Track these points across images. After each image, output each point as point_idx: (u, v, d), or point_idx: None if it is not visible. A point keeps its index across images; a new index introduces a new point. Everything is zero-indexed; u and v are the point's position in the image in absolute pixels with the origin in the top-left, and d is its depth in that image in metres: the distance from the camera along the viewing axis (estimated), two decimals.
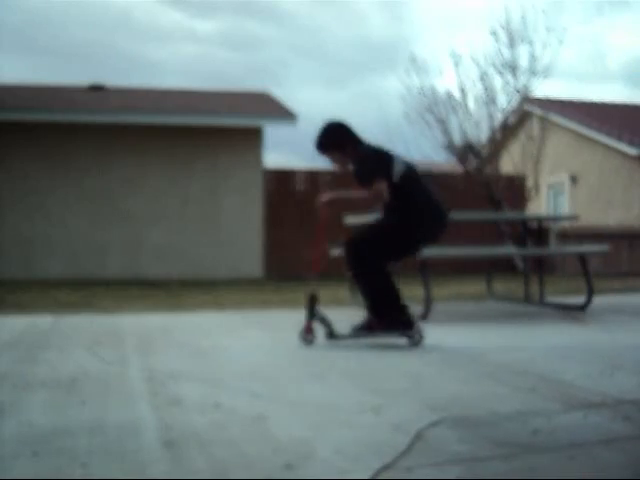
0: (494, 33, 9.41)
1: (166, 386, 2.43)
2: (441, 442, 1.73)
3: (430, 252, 5.86)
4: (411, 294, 6.22)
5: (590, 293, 4.67)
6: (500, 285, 6.97)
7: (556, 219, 8.72)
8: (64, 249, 9.61)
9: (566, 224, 9.88)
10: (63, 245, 9.62)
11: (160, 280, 9.32)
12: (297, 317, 4.77)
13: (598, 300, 4.98)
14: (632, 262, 10.19)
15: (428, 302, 4.30)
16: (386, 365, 2.87)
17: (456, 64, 9.57)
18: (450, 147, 10.00)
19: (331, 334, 3.37)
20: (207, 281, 9.18)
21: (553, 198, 13.49)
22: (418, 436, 1.76)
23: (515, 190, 10.07)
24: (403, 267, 7.95)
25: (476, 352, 3.09)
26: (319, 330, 3.37)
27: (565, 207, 13.02)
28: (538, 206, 12.13)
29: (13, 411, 2.08)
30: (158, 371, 2.70)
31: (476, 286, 7.65)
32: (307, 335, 3.34)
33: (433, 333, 3.73)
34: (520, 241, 8.12)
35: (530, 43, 9.40)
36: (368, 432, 1.82)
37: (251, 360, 3.01)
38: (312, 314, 3.36)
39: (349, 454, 1.63)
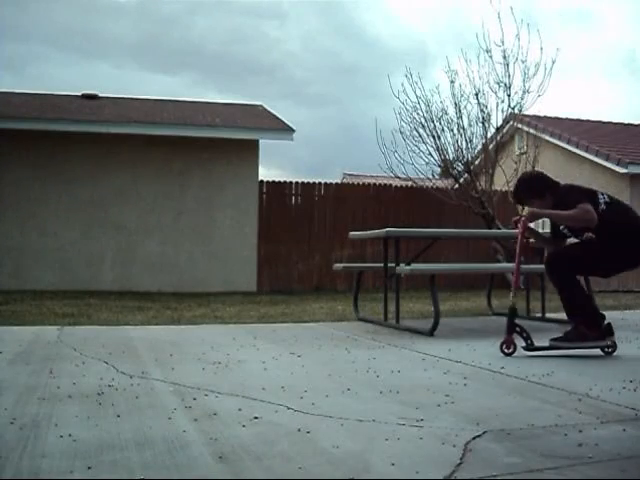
0: (488, 51, 9.59)
1: (197, 400, 2.43)
2: (491, 455, 1.76)
3: (438, 267, 5.93)
4: (407, 309, 6.30)
5: None
6: (495, 301, 7.04)
7: None
8: (56, 259, 9.50)
9: None
10: (55, 255, 9.51)
11: (153, 292, 9.25)
12: (303, 331, 4.79)
13: None
14: (621, 279, 10.35)
15: (437, 317, 4.33)
16: (410, 379, 2.89)
17: (452, 81, 9.72)
18: (444, 162, 10.12)
19: (529, 345, 3.47)
20: (201, 294, 9.13)
21: None
22: (467, 449, 1.78)
23: (508, 206, 10.21)
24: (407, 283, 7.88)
25: (495, 366, 3.13)
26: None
27: None
28: None
29: (50, 425, 2.06)
30: (183, 385, 2.69)
31: (471, 301, 7.73)
32: (508, 348, 3.45)
33: (446, 348, 3.77)
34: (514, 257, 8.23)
35: (523, 62, 9.59)
36: (416, 445, 1.84)
37: (273, 373, 3.01)
38: (512, 327, 3.47)
39: (406, 467, 1.65)
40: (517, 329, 3.49)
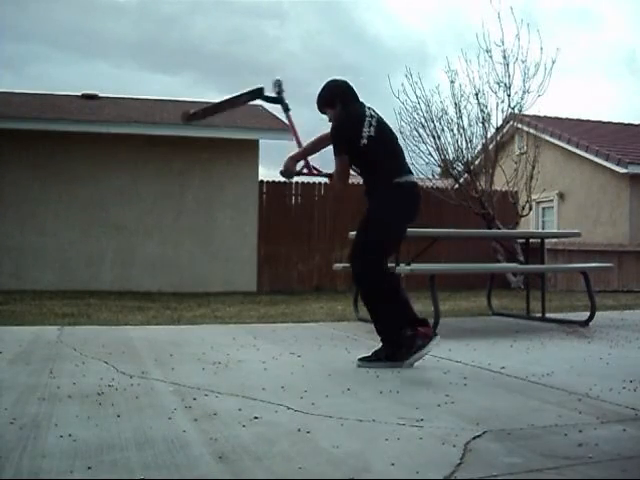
0: (488, 51, 9.59)
1: (197, 400, 2.43)
2: (491, 455, 1.76)
3: (438, 267, 5.93)
4: None
5: (593, 309, 4.75)
6: (495, 301, 7.04)
7: (559, 236, 8.88)
8: (56, 259, 9.50)
9: (553, 240, 10.03)
10: (55, 255, 9.50)
11: (153, 292, 9.24)
12: (303, 331, 4.79)
13: (596, 316, 5.04)
14: (620, 279, 10.36)
15: (437, 317, 4.32)
16: (409, 379, 2.89)
17: (452, 81, 9.72)
18: (444, 162, 10.12)
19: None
20: (201, 294, 9.12)
21: (541, 214, 13.70)
22: (467, 449, 1.78)
23: (507, 206, 10.22)
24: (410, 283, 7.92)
25: (495, 366, 3.13)
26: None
27: (553, 224, 13.22)
28: (526, 222, 12.28)
29: (50, 425, 2.06)
30: (183, 385, 2.69)
31: (471, 301, 7.72)
32: None
33: (446, 348, 3.77)
34: (514, 257, 8.24)
35: (523, 62, 9.59)
36: (416, 445, 1.84)
37: (273, 373, 3.01)
38: None
39: (406, 467, 1.65)
40: None
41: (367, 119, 3.27)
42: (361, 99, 3.47)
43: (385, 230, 3.27)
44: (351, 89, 3.44)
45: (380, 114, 3.42)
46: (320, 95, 3.44)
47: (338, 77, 3.51)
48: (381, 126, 3.33)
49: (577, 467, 1.66)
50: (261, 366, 3.19)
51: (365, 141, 3.23)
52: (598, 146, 11.89)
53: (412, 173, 3.44)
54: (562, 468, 1.65)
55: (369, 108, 3.38)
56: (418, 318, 3.29)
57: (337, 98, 3.38)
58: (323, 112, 3.46)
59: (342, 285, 10.12)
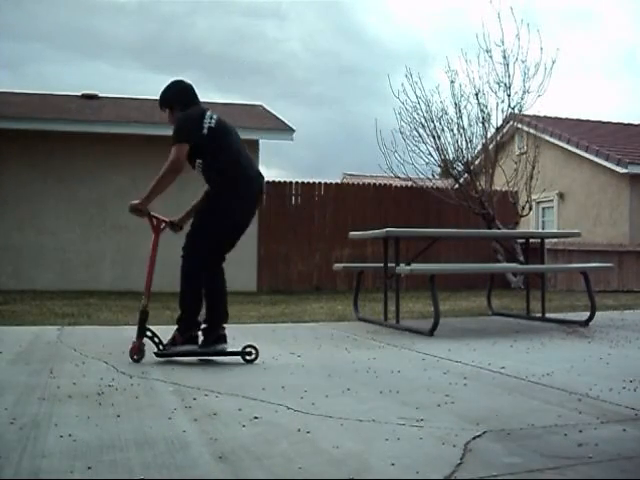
0: (488, 51, 9.59)
1: (197, 400, 2.43)
2: (491, 455, 1.76)
3: (438, 268, 5.93)
4: (407, 309, 6.30)
5: (593, 309, 4.75)
6: (495, 301, 7.04)
7: (559, 236, 8.87)
8: (55, 259, 9.49)
9: (553, 240, 10.03)
10: (54, 255, 9.50)
11: (153, 292, 9.21)
12: (303, 331, 4.79)
13: (596, 316, 5.04)
14: (620, 279, 10.36)
15: (437, 317, 4.33)
16: (410, 379, 2.89)
17: (452, 81, 9.72)
18: (444, 162, 10.12)
19: (161, 351, 3.30)
20: None
21: (541, 214, 13.70)
22: (467, 449, 1.78)
23: (507, 206, 10.21)
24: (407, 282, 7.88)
25: (495, 366, 3.13)
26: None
27: (553, 224, 13.21)
28: (526, 222, 12.28)
29: (50, 424, 2.06)
30: (183, 385, 2.69)
31: (470, 301, 7.73)
32: (136, 354, 3.25)
33: (446, 348, 3.77)
34: (514, 257, 8.24)
35: (523, 62, 9.60)
36: (416, 445, 1.84)
37: (272, 373, 3.01)
38: (143, 332, 3.29)
39: (406, 466, 1.65)
40: (148, 334, 3.28)
41: (207, 114, 3.41)
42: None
43: (215, 227, 3.53)
44: (192, 92, 3.59)
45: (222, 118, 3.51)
46: (162, 94, 3.58)
47: (183, 79, 3.65)
48: (221, 123, 3.47)
49: (577, 467, 1.66)
50: (261, 366, 3.20)
51: (205, 131, 3.36)
52: (598, 146, 11.89)
53: (254, 168, 3.54)
54: (562, 468, 1.65)
55: (210, 111, 3.49)
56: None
57: (176, 100, 3.53)
58: (163, 110, 3.63)
59: (342, 285, 10.12)
